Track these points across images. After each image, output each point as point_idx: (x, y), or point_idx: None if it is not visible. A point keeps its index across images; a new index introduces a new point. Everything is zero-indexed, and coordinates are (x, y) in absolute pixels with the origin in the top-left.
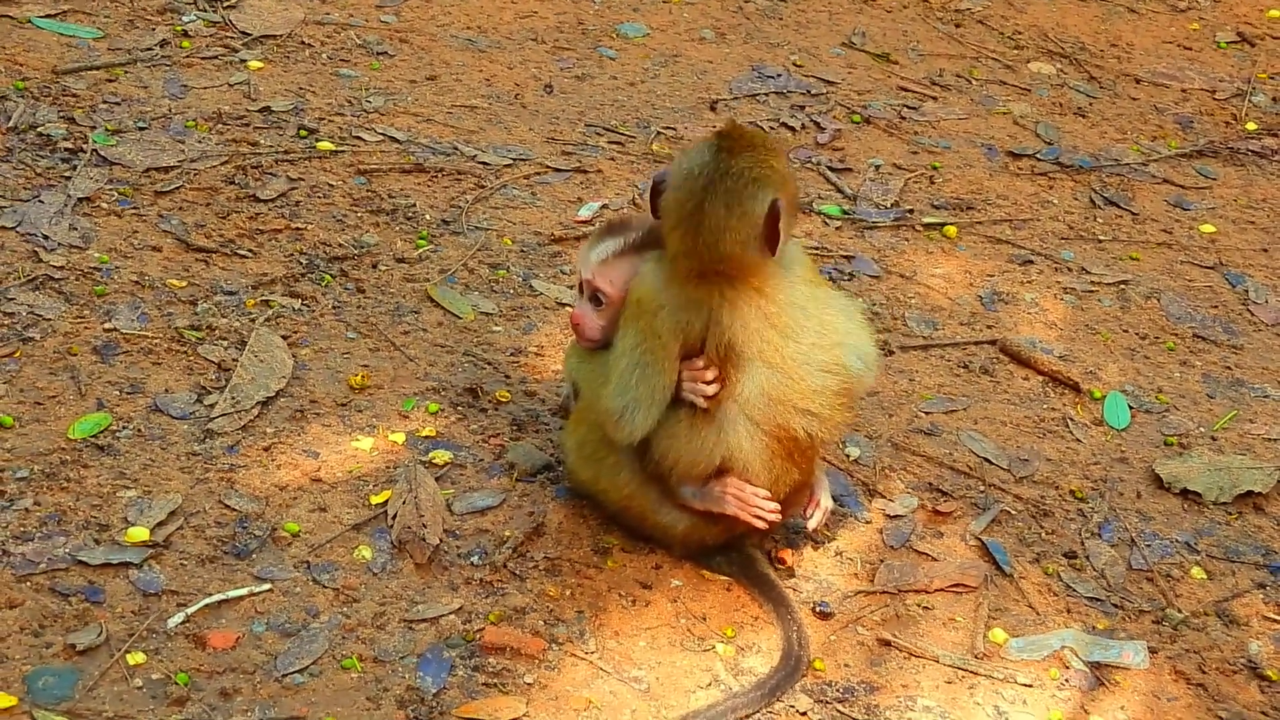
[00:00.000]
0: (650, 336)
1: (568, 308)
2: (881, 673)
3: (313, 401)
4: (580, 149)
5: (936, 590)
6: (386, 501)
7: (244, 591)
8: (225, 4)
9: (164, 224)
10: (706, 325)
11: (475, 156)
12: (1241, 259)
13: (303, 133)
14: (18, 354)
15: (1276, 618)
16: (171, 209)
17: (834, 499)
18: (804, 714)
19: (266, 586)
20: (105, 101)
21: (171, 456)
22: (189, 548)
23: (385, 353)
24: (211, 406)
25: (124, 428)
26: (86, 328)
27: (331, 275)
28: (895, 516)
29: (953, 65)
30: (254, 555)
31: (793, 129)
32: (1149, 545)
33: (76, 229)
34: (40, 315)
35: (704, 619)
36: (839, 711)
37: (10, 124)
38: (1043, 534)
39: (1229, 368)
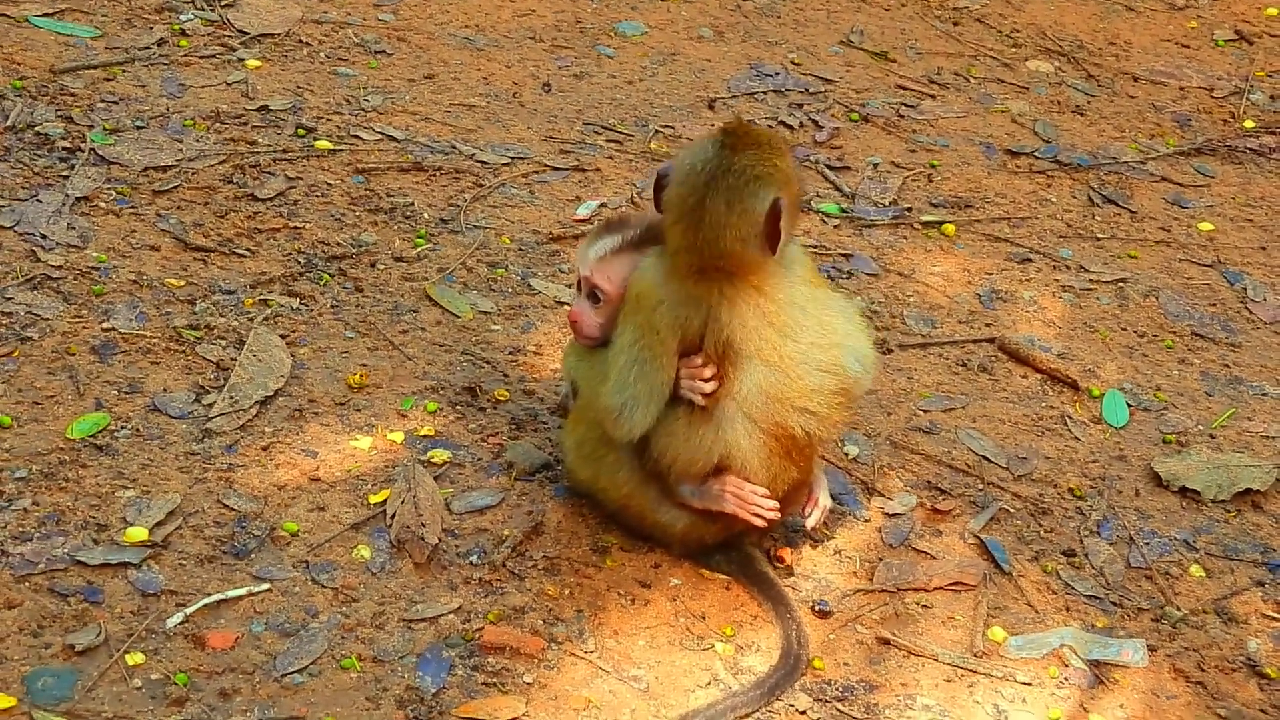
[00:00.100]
0: (649, 332)
1: (566, 306)
2: (881, 671)
3: (311, 401)
4: (578, 147)
5: (935, 588)
6: (385, 501)
7: (243, 591)
8: (223, 3)
9: (162, 223)
10: (705, 322)
11: (473, 155)
12: (1240, 257)
13: (301, 131)
14: (16, 354)
15: (1275, 615)
16: (169, 208)
17: (833, 497)
18: (803, 713)
19: (265, 586)
20: (103, 100)
21: (170, 456)
22: (188, 547)
23: (384, 352)
24: (210, 406)
25: (122, 427)
26: (85, 327)
27: (330, 274)
28: (894, 515)
29: (951, 63)
30: (253, 555)
31: (791, 127)
32: (1148, 543)
33: (74, 228)
34: (38, 315)
35: (703, 618)
36: (838, 710)
37: (8, 123)
38: (1041, 532)
39: (1227, 365)
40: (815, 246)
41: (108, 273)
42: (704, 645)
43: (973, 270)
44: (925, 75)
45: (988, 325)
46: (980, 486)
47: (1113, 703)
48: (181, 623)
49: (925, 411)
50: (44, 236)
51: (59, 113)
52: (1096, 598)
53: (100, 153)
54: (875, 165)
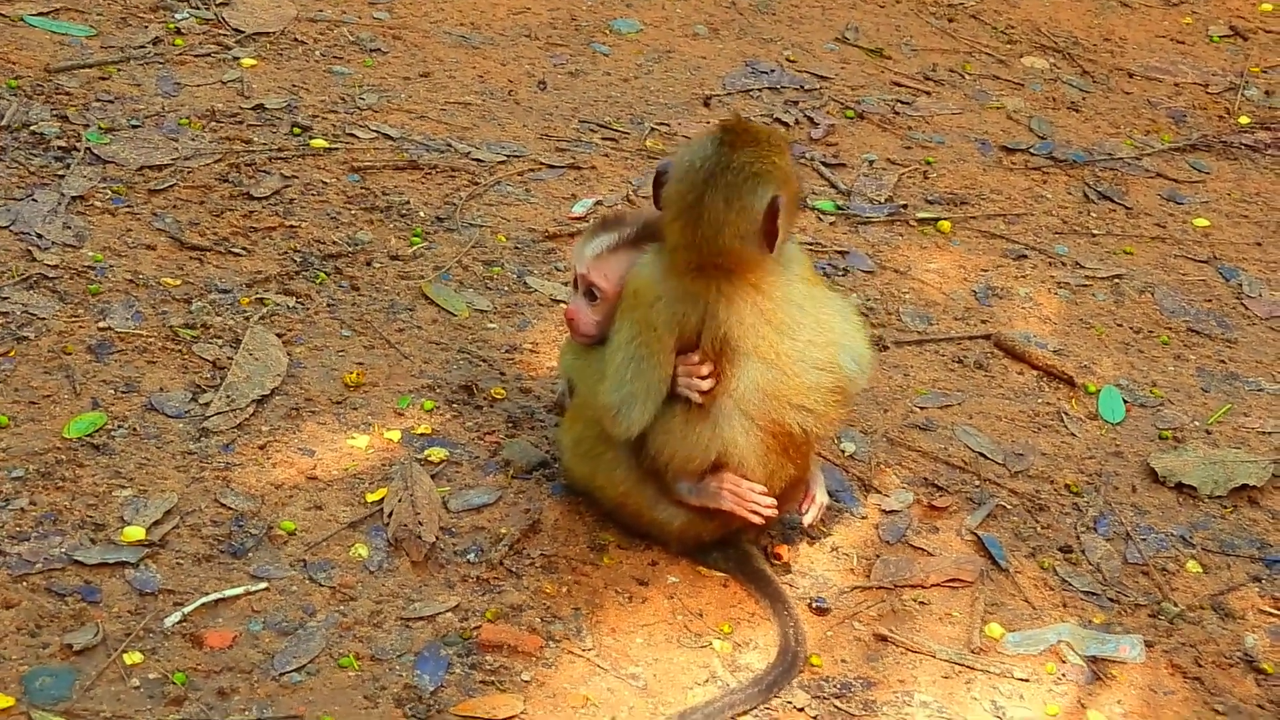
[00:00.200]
0: (646, 329)
1: (562, 304)
2: (878, 668)
3: (308, 399)
4: (574, 145)
5: (932, 585)
6: (382, 499)
7: (240, 590)
8: (218, 1)
9: (158, 222)
10: (702, 319)
11: (469, 153)
12: (1235, 253)
13: (296, 130)
14: (12, 353)
15: (1272, 611)
16: (165, 207)
17: (829, 494)
18: (801, 710)
19: (263, 585)
20: (98, 100)
21: (167, 455)
22: (185, 547)
23: (380, 350)
24: (206, 405)
25: (119, 427)
26: (81, 327)
27: (326, 273)
28: (891, 512)
29: (946, 60)
30: (250, 554)
31: (786, 124)
32: (1144, 539)
33: (70, 228)
34: (34, 314)
35: (701, 615)
36: (836, 707)
37: (3, 122)
38: (1038, 528)
39: (1223, 361)
40: (811, 243)
41: (104, 272)
42: (702, 643)
43: (968, 267)
44: (920, 72)
45: (984, 322)
46: (977, 483)
47: (1110, 699)
48: (179, 622)
49: (922, 408)
50: (40, 236)
51: (54, 112)
52: (1094, 594)
53: (96, 152)
54: (871, 162)
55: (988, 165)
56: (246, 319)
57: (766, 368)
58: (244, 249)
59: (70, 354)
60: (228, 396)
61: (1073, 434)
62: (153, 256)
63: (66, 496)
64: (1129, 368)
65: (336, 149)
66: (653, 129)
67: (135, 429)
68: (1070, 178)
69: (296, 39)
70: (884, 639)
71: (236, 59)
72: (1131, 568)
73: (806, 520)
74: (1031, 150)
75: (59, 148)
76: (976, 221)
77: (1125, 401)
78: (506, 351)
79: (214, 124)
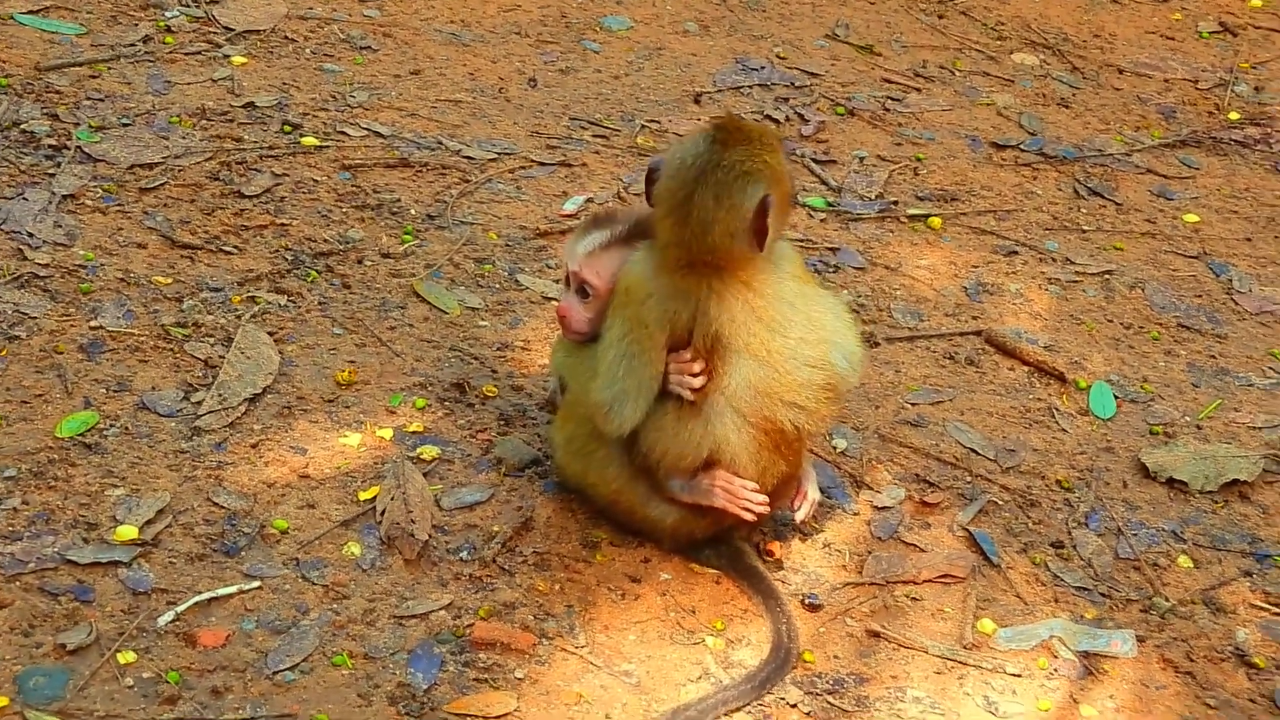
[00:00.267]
0: (637, 326)
1: (554, 302)
2: (871, 664)
3: (300, 398)
4: (565, 143)
5: (925, 581)
6: (375, 497)
7: (233, 589)
8: None
9: (149, 221)
10: (693, 316)
11: (460, 151)
12: (1225, 248)
13: (287, 128)
14: (4, 352)
15: (1263, 605)
16: (156, 205)
17: (821, 491)
18: (794, 706)
19: (256, 584)
20: (89, 98)
21: (159, 454)
22: (178, 546)
23: (372, 348)
24: (199, 404)
25: (111, 426)
26: (72, 326)
27: (317, 271)
28: (883, 508)
29: (936, 57)
30: (243, 553)
31: (777, 121)
32: (1135, 534)
33: (61, 226)
34: (26, 313)
35: (693, 612)
36: (829, 703)
37: None
38: (1030, 524)
39: (1214, 357)
40: (802, 240)
41: (95, 271)
42: (694, 639)
43: (959, 263)
44: (910, 68)
45: (974, 318)
46: (968, 479)
47: (1102, 693)
48: (172, 621)
49: (913, 404)
50: (31, 235)
51: (45, 110)
52: (1085, 589)
53: (86, 150)
54: (861, 159)
55: (978, 161)
56: (238, 317)
57: (758, 365)
58: (235, 247)
59: (62, 353)
60: (220, 395)
61: (1064, 429)
62: (144, 255)
63: (59, 496)
64: (1120, 363)
65: (327, 147)
66: (643, 126)
67: (127, 428)
68: (1060, 174)
69: (287, 37)
70: (876, 635)
71: (227, 57)
72: (1123, 563)
73: (799, 517)
74: (1022, 146)
75: (49, 146)
76: (967, 218)
77: (1116, 397)
78: (498, 349)
79: (205, 122)
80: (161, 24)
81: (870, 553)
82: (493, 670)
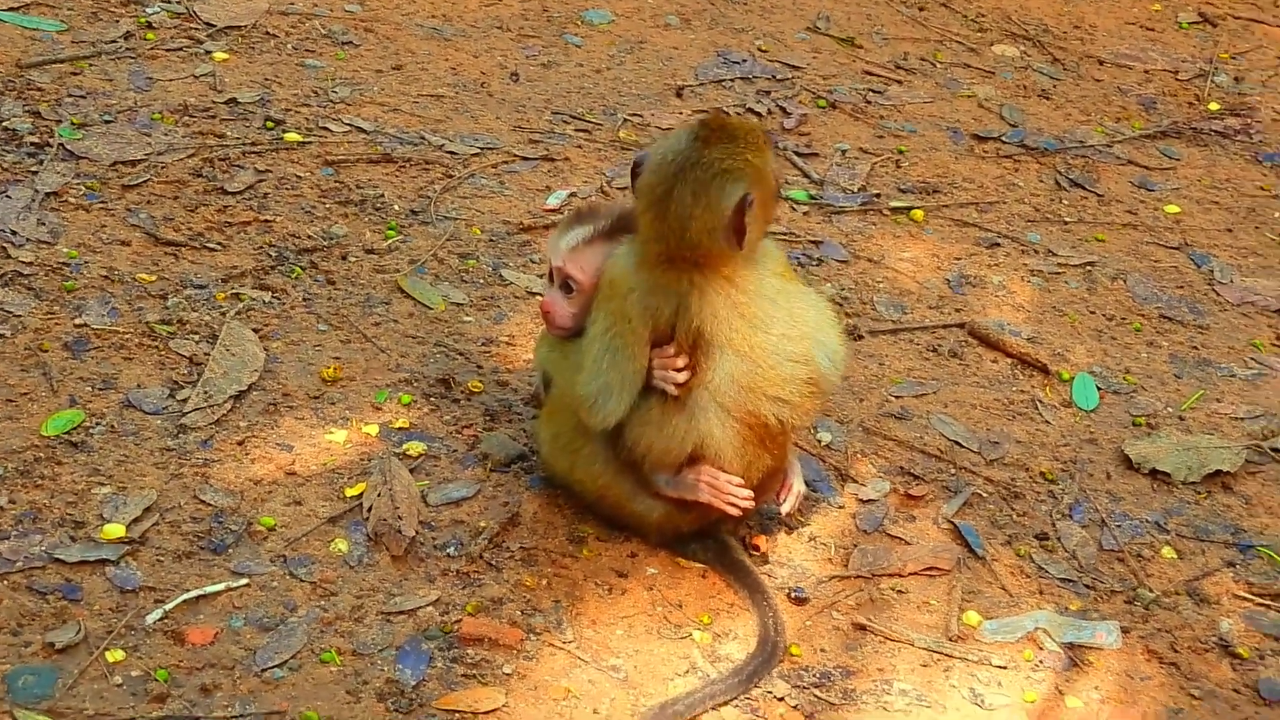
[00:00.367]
0: (620, 320)
1: (538, 296)
2: (857, 657)
3: (285, 394)
4: (547, 137)
5: (910, 574)
6: (361, 494)
7: (221, 587)
8: None
9: (132, 218)
10: (676, 311)
11: (443, 146)
12: (1206, 239)
13: (269, 124)
14: None
15: (1246, 596)
16: (139, 203)
17: (807, 484)
18: (781, 699)
19: (244, 581)
20: (70, 95)
21: (145, 452)
22: (165, 544)
23: (357, 344)
24: (184, 401)
25: (97, 424)
26: (57, 324)
27: (301, 267)
28: (867, 501)
29: (917, 49)
30: (230, 550)
31: (759, 114)
32: (1119, 526)
33: (45, 224)
34: (10, 312)
35: (680, 606)
36: (816, 696)
37: None
38: (1014, 516)
39: (1195, 348)
40: (785, 233)
41: (79, 268)
42: (681, 634)
43: (941, 255)
44: (892, 61)
45: (957, 310)
46: (953, 471)
47: (1087, 685)
48: (161, 619)
49: (897, 397)
50: (14, 233)
51: (26, 108)
52: (1070, 581)
53: (69, 147)
54: (843, 151)
55: (959, 154)
56: (223, 314)
57: (740, 360)
58: (219, 244)
59: (47, 351)
60: (205, 392)
61: (1047, 421)
62: (128, 252)
63: (45, 494)
64: (1102, 355)
65: (310, 143)
66: (625, 120)
67: (113, 426)
68: (1042, 165)
69: (268, 32)
70: (862, 628)
71: (208, 53)
72: (1107, 554)
73: (784, 509)
74: (1003, 138)
75: (32, 144)
76: (949, 210)
77: (1099, 388)
78: (483, 344)
79: (187, 118)
80: (142, 20)
81: (855, 546)
82: (481, 666)
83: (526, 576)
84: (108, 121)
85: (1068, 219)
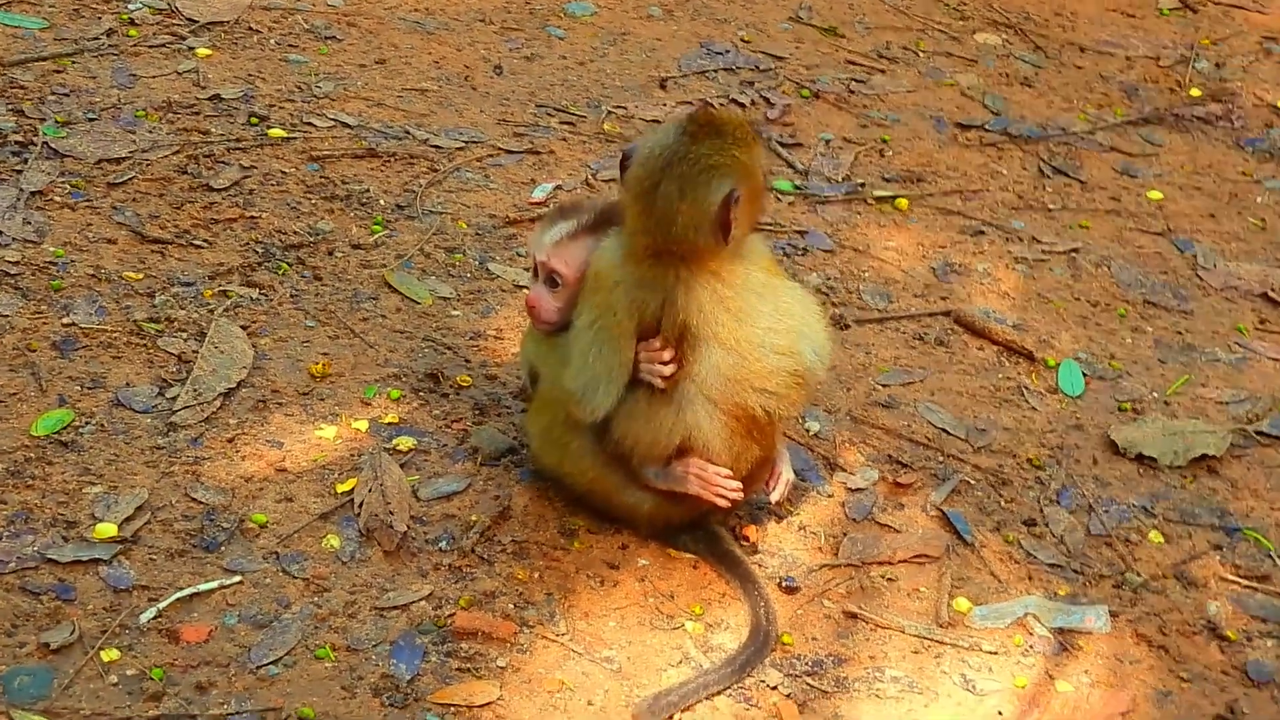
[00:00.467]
0: (607, 313)
1: (525, 290)
2: (849, 645)
3: (274, 391)
4: (532, 130)
5: (900, 561)
6: (352, 490)
7: (214, 584)
8: None
9: (118, 216)
10: (662, 305)
11: (427, 140)
12: (1189, 224)
13: (254, 120)
14: None
15: (1233, 578)
16: (125, 200)
17: (795, 474)
18: (774, 688)
19: (237, 579)
20: (54, 93)
21: (136, 451)
22: (157, 542)
23: (345, 340)
24: (173, 399)
25: (87, 423)
26: (44, 323)
27: (288, 263)
28: (856, 490)
29: (900, 38)
30: (223, 548)
31: (743, 105)
32: (1107, 510)
33: (30, 223)
34: None
35: (672, 597)
36: (808, 684)
37: None
38: (1002, 503)
39: (1180, 333)
40: (770, 224)
41: (65, 267)
42: (674, 624)
43: (926, 244)
44: (874, 50)
45: (943, 298)
46: (940, 459)
47: (1077, 669)
48: (155, 618)
49: (884, 386)
50: (0, 233)
51: (10, 106)
52: (1058, 566)
53: (53, 146)
54: (827, 141)
55: (943, 142)
56: (210, 311)
57: (726, 353)
58: (205, 241)
59: (35, 351)
60: (194, 390)
61: (1033, 408)
62: (114, 250)
63: (37, 495)
64: (1087, 341)
65: (295, 138)
66: (610, 112)
67: (103, 425)
68: (1025, 153)
69: (251, 28)
70: (853, 616)
71: (191, 49)
72: (1095, 539)
73: (774, 497)
74: (986, 126)
75: (16, 142)
76: (934, 199)
77: (1084, 374)
78: (471, 338)
79: (171, 115)
80: (125, 17)
81: (845, 534)
82: (475, 659)
83: (518, 570)
84: (92, 119)
85: (1051, 206)
